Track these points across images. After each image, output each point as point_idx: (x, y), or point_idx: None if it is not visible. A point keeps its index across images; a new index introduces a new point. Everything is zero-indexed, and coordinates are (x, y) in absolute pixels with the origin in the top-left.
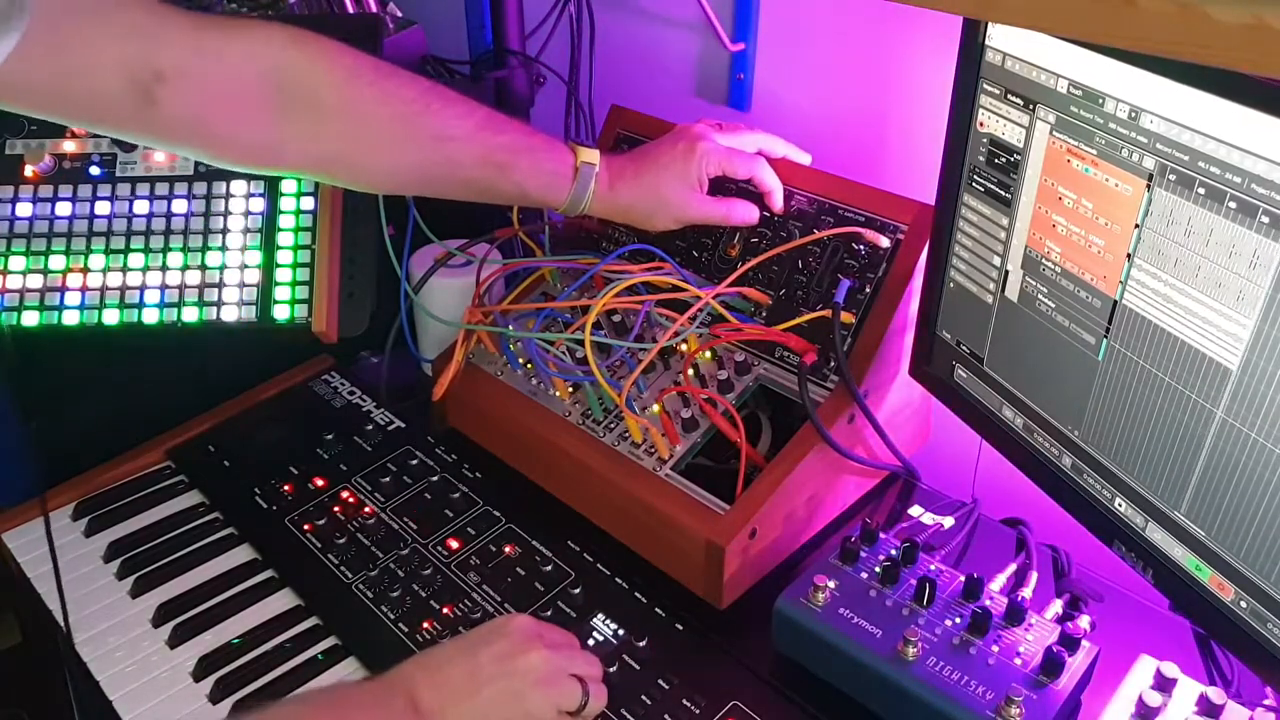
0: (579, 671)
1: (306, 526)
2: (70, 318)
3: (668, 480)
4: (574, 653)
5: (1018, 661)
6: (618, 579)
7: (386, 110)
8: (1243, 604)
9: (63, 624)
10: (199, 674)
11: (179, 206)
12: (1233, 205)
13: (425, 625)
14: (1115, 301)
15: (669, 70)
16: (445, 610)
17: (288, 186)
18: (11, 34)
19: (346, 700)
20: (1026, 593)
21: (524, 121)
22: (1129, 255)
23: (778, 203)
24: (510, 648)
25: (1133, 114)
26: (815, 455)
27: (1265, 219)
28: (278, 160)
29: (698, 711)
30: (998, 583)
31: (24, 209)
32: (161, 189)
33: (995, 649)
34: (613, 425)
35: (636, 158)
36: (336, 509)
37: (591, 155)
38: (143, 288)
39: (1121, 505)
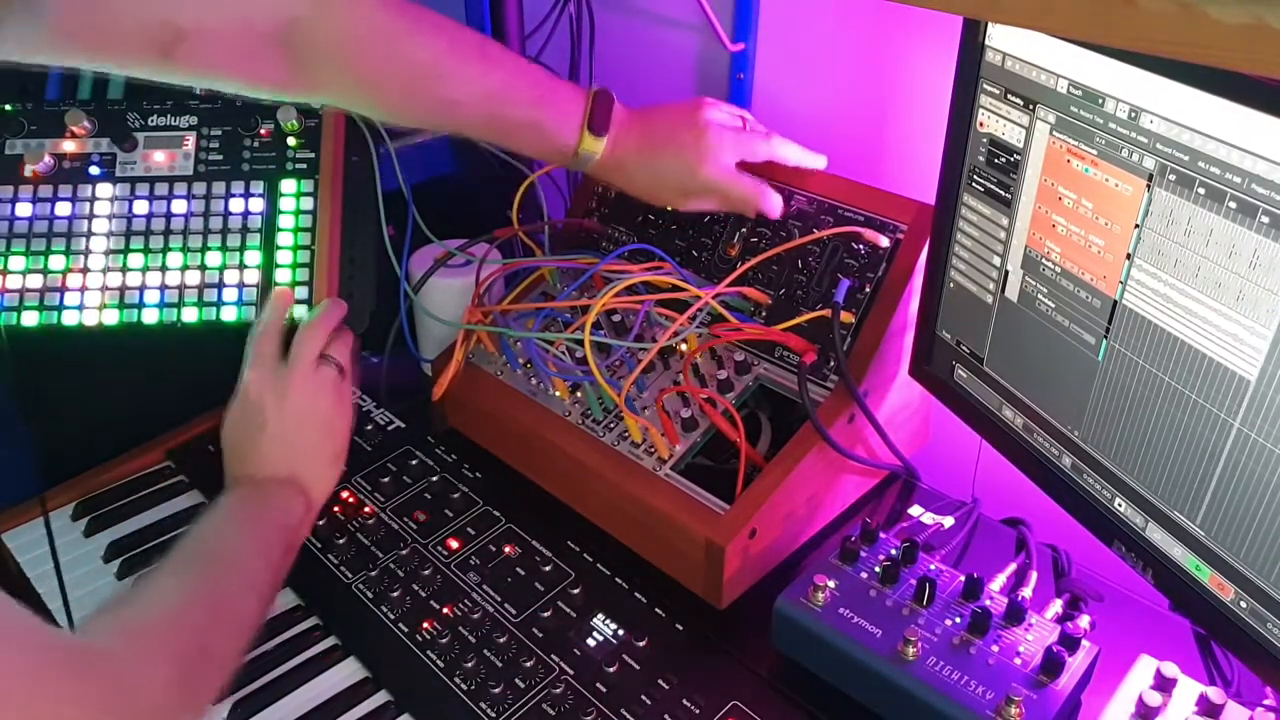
0: (314, 353)
1: None
2: (70, 318)
3: (667, 480)
4: (307, 352)
5: (1018, 661)
6: (618, 579)
7: (397, 74)
8: (1243, 604)
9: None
10: None
11: (179, 207)
12: (1233, 205)
13: (425, 625)
14: (1115, 302)
15: (669, 70)
16: (445, 610)
17: (287, 186)
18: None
19: (264, 513)
20: (1026, 593)
21: (544, 83)
22: (1129, 255)
23: (812, 160)
24: (279, 403)
25: (1133, 114)
26: (815, 455)
27: (1265, 219)
28: (286, 94)
29: (698, 711)
30: (998, 583)
31: (24, 209)
32: (161, 189)
33: (995, 649)
34: (612, 425)
35: (646, 151)
36: (336, 509)
37: (596, 145)
38: (142, 288)
39: (1121, 505)
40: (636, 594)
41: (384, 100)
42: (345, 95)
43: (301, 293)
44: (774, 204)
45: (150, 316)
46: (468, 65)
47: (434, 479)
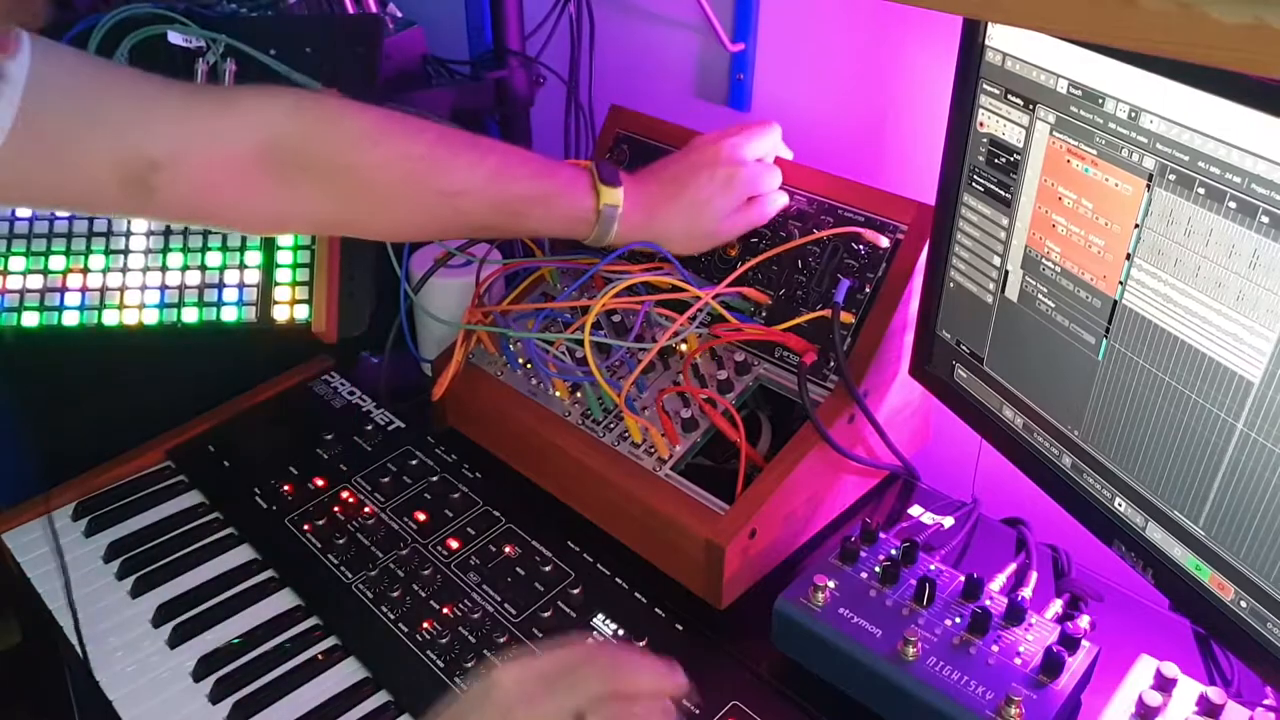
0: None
1: (306, 526)
2: (70, 318)
3: (667, 480)
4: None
5: (1018, 661)
6: (618, 579)
7: (391, 173)
8: (1243, 604)
9: (75, 630)
10: (199, 674)
11: None
12: (1233, 205)
13: (425, 625)
14: (1115, 301)
15: (669, 70)
16: (445, 610)
17: None
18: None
19: None
20: (1026, 593)
21: (540, 159)
22: (1129, 255)
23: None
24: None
25: (1133, 114)
26: (815, 455)
27: (1265, 219)
28: (283, 227)
29: (698, 712)
30: (998, 583)
31: (24, 209)
32: None
33: (995, 649)
34: (612, 425)
35: (669, 192)
36: (336, 509)
37: (614, 196)
38: (143, 288)
39: (1121, 505)
40: (636, 594)
41: (383, 207)
42: (342, 211)
43: (302, 293)
44: (779, 203)
45: (150, 317)
46: (462, 153)
47: (434, 479)
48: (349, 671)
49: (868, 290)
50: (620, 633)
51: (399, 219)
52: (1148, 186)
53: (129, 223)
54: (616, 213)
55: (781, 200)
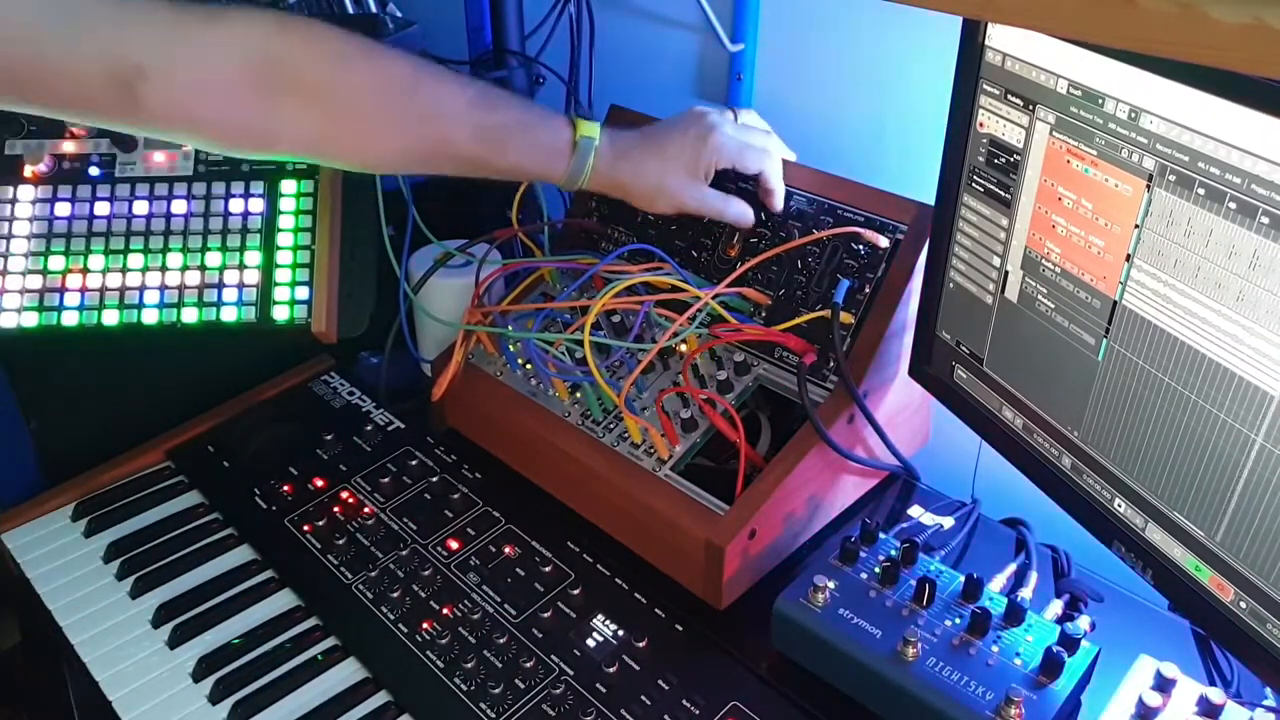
0: None
1: (306, 527)
2: (70, 318)
3: (667, 481)
4: None
5: (1018, 661)
6: (618, 579)
7: (374, 92)
8: (1242, 604)
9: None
10: (199, 674)
11: (178, 207)
12: (1233, 206)
13: (425, 625)
14: (1115, 302)
15: (669, 70)
16: (445, 610)
17: (287, 187)
18: None
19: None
20: (1026, 593)
21: (520, 96)
22: (1129, 256)
23: (778, 204)
24: None
25: (1133, 114)
26: (815, 455)
27: (1265, 219)
28: (268, 145)
29: (697, 711)
30: (997, 583)
31: (24, 209)
32: (161, 189)
33: (995, 649)
34: (612, 426)
35: (644, 139)
36: (336, 509)
37: (591, 129)
38: (142, 288)
39: (1121, 506)
40: (636, 594)
41: (367, 128)
42: (326, 131)
43: (302, 293)
44: (744, 214)
45: (150, 317)
46: (445, 79)
47: (434, 479)
48: (349, 671)
49: (867, 290)
50: (620, 633)
51: (381, 142)
52: (1148, 187)
53: (128, 222)
54: (593, 145)
55: (747, 215)
